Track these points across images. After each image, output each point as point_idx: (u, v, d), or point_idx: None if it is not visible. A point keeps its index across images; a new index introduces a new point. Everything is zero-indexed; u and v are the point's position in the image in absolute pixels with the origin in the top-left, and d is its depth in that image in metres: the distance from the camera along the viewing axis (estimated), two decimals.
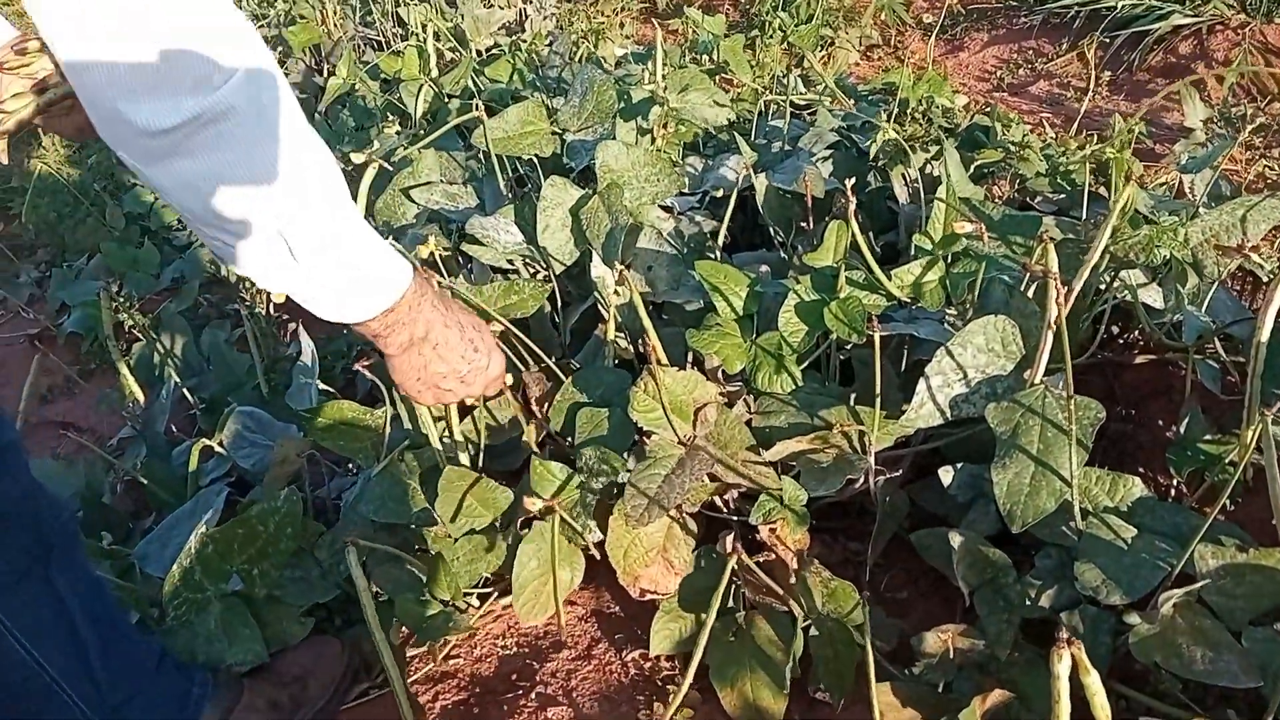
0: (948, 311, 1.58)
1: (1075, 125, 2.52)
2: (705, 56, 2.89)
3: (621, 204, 1.79)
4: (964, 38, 4.16)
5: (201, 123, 0.83)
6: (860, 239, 1.50)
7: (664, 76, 2.25)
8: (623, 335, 1.91)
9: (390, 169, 2.08)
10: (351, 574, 1.25)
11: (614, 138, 1.98)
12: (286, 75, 3.90)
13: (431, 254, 1.71)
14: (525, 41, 3.52)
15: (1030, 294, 1.51)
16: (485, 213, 2.05)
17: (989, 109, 2.30)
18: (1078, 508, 1.38)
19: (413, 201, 2.03)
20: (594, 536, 1.56)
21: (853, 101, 2.43)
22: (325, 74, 3.90)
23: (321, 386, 1.69)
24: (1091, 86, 2.40)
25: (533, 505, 1.36)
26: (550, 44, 3.68)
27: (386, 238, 2.10)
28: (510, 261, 1.97)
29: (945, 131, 2.23)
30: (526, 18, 3.97)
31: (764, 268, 1.92)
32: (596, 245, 1.81)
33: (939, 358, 1.44)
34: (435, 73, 2.81)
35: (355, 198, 2.13)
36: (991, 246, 1.56)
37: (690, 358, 1.77)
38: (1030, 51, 3.98)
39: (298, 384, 1.87)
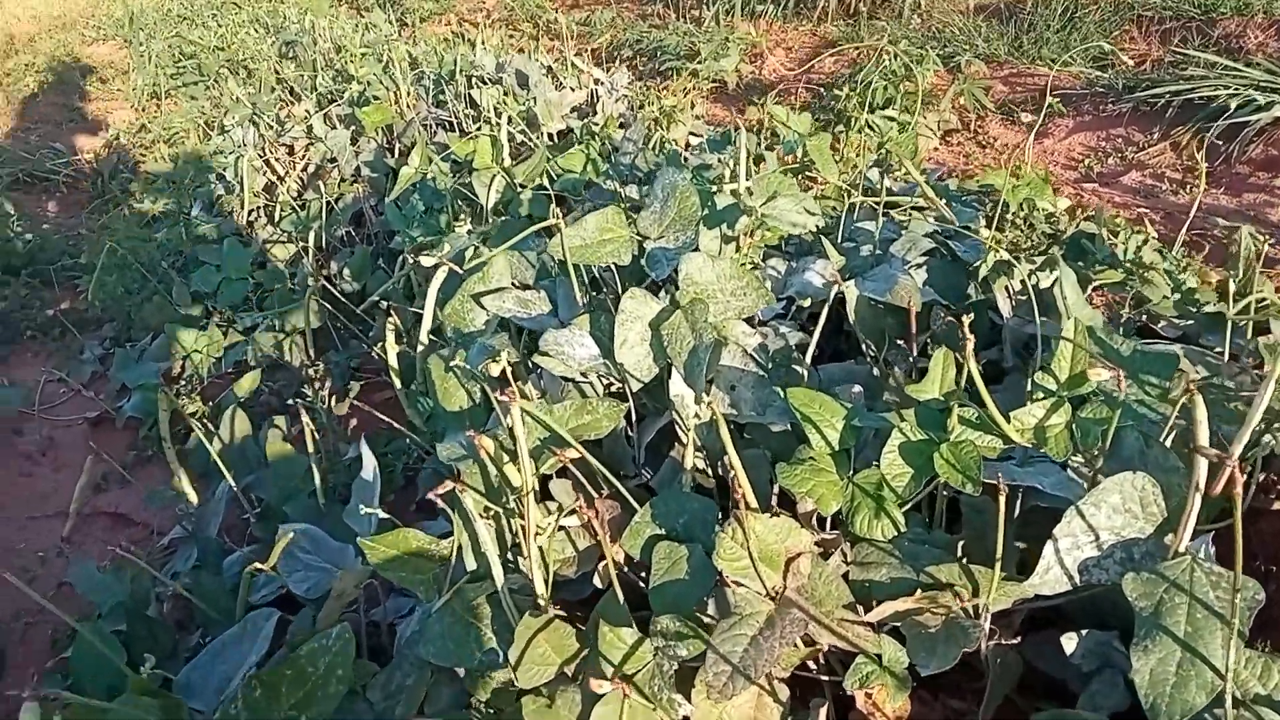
0: (1073, 459, 1.42)
1: (1184, 229, 2.34)
2: (789, 155, 2.78)
3: (705, 320, 1.67)
4: (1049, 123, 4.01)
5: None
6: (977, 376, 1.36)
7: (747, 175, 2.14)
8: (701, 455, 1.78)
9: (460, 272, 1.99)
10: None
11: (697, 247, 1.87)
12: (358, 155, 3.89)
13: (503, 370, 1.60)
14: (596, 126, 3.45)
15: (1169, 444, 1.34)
16: (557, 316, 1.95)
17: (1094, 214, 2.15)
18: (1229, 701, 1.20)
19: (482, 308, 1.93)
20: (681, 712, 1.40)
21: (945, 201, 2.29)
22: (396, 152, 3.88)
23: (382, 515, 1.57)
24: (1203, 186, 2.23)
25: (599, 686, 1.22)
26: (622, 126, 3.61)
27: (454, 345, 2.02)
28: (583, 372, 1.85)
29: (1048, 238, 2.08)
30: (598, 99, 3.93)
31: (856, 388, 1.78)
32: (678, 363, 1.68)
33: (1068, 518, 1.28)
34: (508, 160, 2.75)
35: (425, 298, 2.06)
36: (1124, 389, 1.40)
37: (775, 489, 1.63)
38: (1119, 140, 3.82)
39: (357, 501, 1.76)
